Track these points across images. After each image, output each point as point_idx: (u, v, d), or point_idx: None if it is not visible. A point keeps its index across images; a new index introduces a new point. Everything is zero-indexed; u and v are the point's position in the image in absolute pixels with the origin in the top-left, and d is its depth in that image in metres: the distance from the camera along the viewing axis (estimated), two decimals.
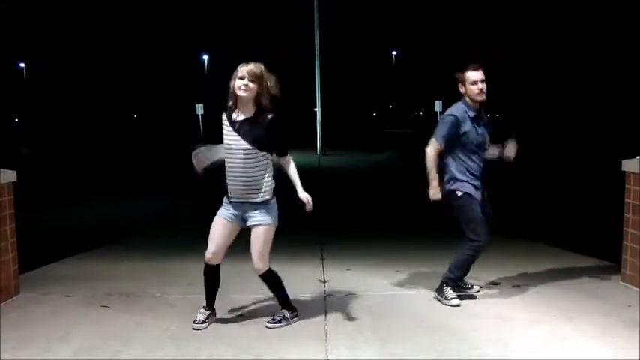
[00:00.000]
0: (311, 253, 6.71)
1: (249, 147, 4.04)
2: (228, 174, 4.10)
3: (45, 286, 5.27)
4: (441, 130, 4.64)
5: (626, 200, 5.11)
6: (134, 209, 11.13)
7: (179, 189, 13.31)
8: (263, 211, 4.12)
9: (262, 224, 4.12)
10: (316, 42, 28.69)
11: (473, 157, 4.65)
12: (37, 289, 5.16)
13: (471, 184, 4.63)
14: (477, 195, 4.64)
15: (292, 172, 4.22)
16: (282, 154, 4.18)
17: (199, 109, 33.83)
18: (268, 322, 4.27)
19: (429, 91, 39.57)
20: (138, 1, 51.67)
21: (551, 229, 8.09)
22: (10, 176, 4.90)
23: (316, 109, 29.71)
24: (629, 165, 5.07)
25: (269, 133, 4.05)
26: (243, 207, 4.13)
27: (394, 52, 63.56)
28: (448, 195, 4.66)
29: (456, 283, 4.83)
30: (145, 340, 4.04)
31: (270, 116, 4.06)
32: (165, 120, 48.86)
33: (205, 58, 56.08)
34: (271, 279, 4.31)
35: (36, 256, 5.97)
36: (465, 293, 4.87)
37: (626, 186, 5.11)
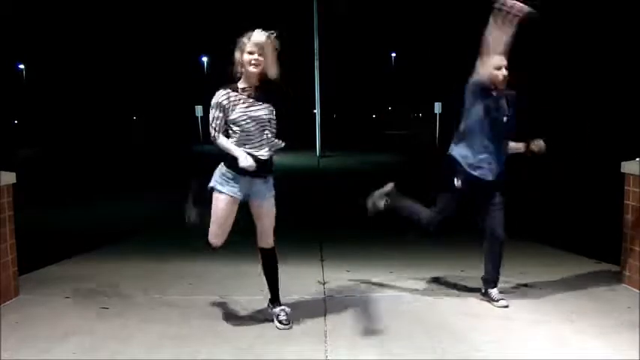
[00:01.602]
0: (310, 254, 6.71)
1: (270, 115, 4.03)
2: (248, 146, 4.00)
3: (44, 288, 5.27)
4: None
5: (625, 202, 5.12)
6: (134, 210, 11.13)
7: (179, 189, 13.28)
8: (270, 185, 4.16)
9: (273, 197, 4.18)
10: (315, 43, 28.75)
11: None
12: (36, 291, 5.15)
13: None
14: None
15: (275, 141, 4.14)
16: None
17: (199, 110, 33.88)
18: (280, 324, 4.23)
19: (429, 93, 39.59)
20: (138, 2, 51.71)
21: (550, 230, 8.09)
22: (9, 178, 4.90)
23: (316, 111, 29.76)
24: (629, 167, 5.07)
25: (278, 103, 4.07)
26: (253, 182, 4.07)
27: (393, 54, 63.59)
28: None
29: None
30: (145, 341, 4.03)
31: (279, 88, 4.06)
32: (165, 121, 48.98)
33: (205, 59, 56.16)
34: (276, 258, 4.31)
35: (35, 258, 5.97)
36: (489, 303, 4.75)
37: (626, 187, 5.11)
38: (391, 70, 63.38)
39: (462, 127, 4.61)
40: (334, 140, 31.53)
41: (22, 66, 58.27)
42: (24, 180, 5.37)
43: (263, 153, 4.04)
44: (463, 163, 4.56)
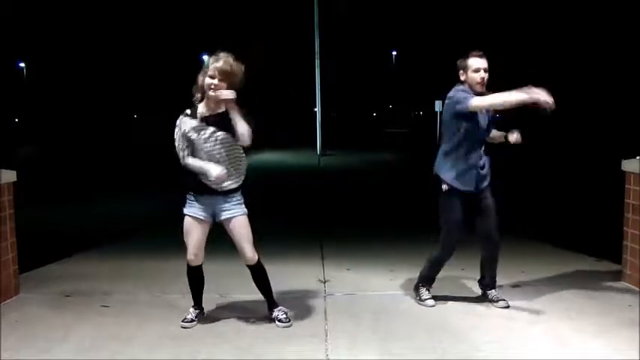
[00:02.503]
0: (311, 252, 6.70)
1: (226, 135, 4.02)
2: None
3: (45, 287, 5.27)
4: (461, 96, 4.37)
5: (626, 200, 5.12)
6: (134, 209, 11.13)
7: (179, 188, 13.29)
8: (235, 202, 4.14)
9: (241, 214, 4.15)
10: (316, 42, 28.74)
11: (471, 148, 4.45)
12: (36, 289, 5.16)
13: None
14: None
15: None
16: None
17: None
18: (281, 322, 4.24)
19: (430, 91, 39.58)
20: (138, 1, 51.71)
21: (551, 229, 8.09)
22: (9, 176, 4.91)
23: (316, 109, 29.77)
24: (629, 165, 5.07)
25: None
26: (215, 201, 4.10)
27: (394, 52, 63.55)
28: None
29: (427, 281, 4.78)
30: (145, 340, 4.04)
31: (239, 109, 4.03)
32: (166, 119, 48.87)
33: (205, 58, 56.04)
34: (263, 270, 4.31)
35: (36, 256, 5.97)
36: (489, 303, 4.71)
37: (626, 186, 5.11)
38: (392, 68, 63.35)
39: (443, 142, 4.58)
40: (335, 139, 31.52)
41: (22, 64, 58.28)
42: (24, 178, 5.37)
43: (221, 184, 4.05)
44: (448, 178, 4.49)
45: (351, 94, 57.61)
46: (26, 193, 6.28)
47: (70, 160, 23.06)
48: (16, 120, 54.37)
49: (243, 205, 4.19)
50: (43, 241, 7.25)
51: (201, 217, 4.14)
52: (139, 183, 15.76)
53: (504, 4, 39.62)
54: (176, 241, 7.49)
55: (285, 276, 5.30)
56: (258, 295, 4.73)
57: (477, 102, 4.30)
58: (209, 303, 4.72)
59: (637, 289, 4.91)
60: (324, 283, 5.42)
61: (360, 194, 13.03)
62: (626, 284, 5.08)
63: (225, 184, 4.07)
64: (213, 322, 4.37)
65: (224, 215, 4.13)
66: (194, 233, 4.17)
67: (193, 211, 4.14)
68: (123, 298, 4.96)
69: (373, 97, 63.29)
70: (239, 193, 4.18)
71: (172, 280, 5.49)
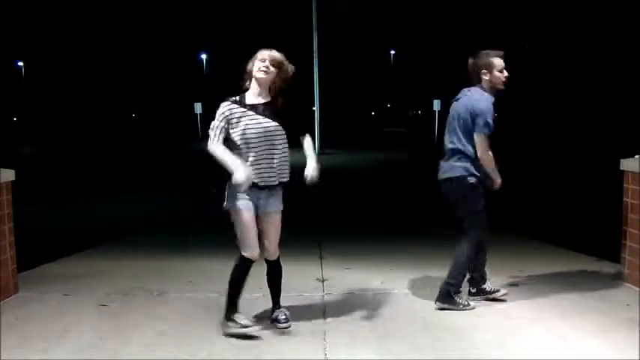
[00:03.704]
0: (309, 252, 6.70)
1: (277, 126, 4.00)
2: (255, 159, 3.95)
3: (44, 285, 5.27)
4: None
5: (624, 199, 5.12)
6: (133, 208, 11.12)
7: (179, 188, 13.31)
8: (278, 197, 4.10)
9: (280, 211, 4.12)
10: (314, 41, 28.73)
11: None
12: (35, 288, 5.15)
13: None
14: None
15: (309, 145, 4.24)
16: (302, 133, 4.19)
17: (198, 107, 33.84)
18: (279, 323, 4.20)
19: (428, 91, 39.61)
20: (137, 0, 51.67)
21: (550, 228, 8.09)
22: (8, 175, 4.90)
23: (314, 108, 29.76)
24: (628, 164, 5.08)
25: (289, 114, 4.05)
26: (260, 193, 4.01)
27: (392, 52, 63.53)
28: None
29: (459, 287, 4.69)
30: (144, 339, 4.03)
31: (283, 100, 4.05)
32: (164, 119, 48.99)
33: (204, 57, 56.12)
34: (280, 268, 4.27)
35: (35, 255, 5.97)
36: (489, 297, 4.72)
37: (625, 185, 5.11)
38: (390, 67, 63.37)
39: (461, 142, 4.48)
40: (333, 138, 31.51)
41: (20, 63, 58.23)
42: (23, 177, 5.37)
43: (266, 178, 3.99)
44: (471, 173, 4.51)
45: (350, 93, 57.61)
46: (25, 193, 6.27)
47: (68, 159, 23.04)
48: (15, 119, 54.34)
49: (282, 203, 4.15)
50: (42, 240, 7.26)
51: (252, 211, 4.01)
52: (138, 182, 15.75)
53: (503, 3, 39.64)
54: (176, 240, 7.52)
55: (284, 275, 5.28)
56: (257, 295, 4.73)
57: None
58: (208, 302, 4.72)
59: (636, 288, 4.91)
60: (323, 282, 5.42)
61: (358, 193, 13.03)
62: (625, 283, 5.09)
63: (273, 179, 4.01)
64: (213, 321, 4.36)
65: (263, 209, 4.04)
66: (252, 226, 4.02)
67: (246, 204, 3.98)
68: (122, 298, 4.96)
69: (372, 96, 63.32)
70: (280, 188, 4.12)
71: (172, 280, 5.50)
